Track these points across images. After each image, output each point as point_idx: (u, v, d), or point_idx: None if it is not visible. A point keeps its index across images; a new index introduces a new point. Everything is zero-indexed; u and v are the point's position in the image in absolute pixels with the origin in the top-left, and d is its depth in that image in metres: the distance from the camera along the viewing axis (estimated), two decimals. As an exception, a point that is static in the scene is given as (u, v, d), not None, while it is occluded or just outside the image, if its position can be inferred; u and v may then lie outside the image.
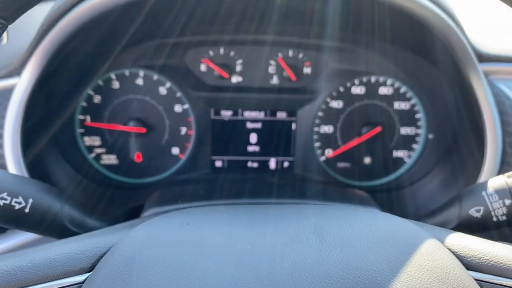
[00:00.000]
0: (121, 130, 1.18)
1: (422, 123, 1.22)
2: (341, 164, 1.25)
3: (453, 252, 0.56)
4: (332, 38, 1.15)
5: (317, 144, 1.23)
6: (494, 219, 0.77)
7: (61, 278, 0.54)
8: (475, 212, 0.79)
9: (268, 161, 1.25)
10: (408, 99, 1.21)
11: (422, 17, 0.89)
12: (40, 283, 0.53)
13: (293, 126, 1.22)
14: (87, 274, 0.54)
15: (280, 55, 1.19)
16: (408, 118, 1.22)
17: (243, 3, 1.00)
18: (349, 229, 0.53)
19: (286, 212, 0.61)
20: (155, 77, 1.16)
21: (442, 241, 0.57)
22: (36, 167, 1.00)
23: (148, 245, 0.52)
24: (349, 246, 0.49)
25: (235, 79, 1.21)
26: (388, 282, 0.45)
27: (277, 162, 1.25)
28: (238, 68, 1.20)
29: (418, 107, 1.21)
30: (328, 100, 1.20)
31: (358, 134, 1.22)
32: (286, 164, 1.25)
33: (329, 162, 1.25)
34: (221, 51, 1.18)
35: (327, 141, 1.24)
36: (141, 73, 1.16)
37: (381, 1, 0.85)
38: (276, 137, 1.23)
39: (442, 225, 0.81)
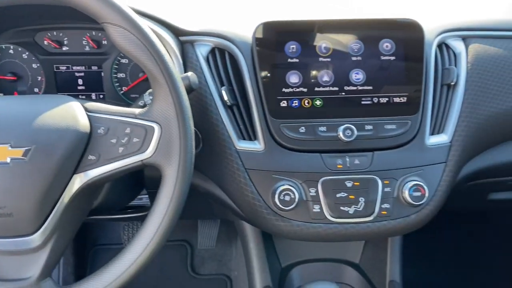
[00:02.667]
0: (3, 78, 2.14)
1: None
2: (132, 95, 2.21)
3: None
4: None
5: (116, 84, 2.19)
6: None
7: None
8: None
9: (90, 94, 2.21)
10: None
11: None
12: None
13: (102, 74, 2.18)
14: None
15: (88, 34, 2.14)
16: None
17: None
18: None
19: None
20: (19, 49, 2.11)
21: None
22: None
23: None
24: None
25: (65, 48, 2.16)
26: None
27: (96, 95, 2.21)
28: (65, 42, 2.14)
29: None
30: (119, 58, 2.15)
31: (139, 77, 2.17)
32: (101, 96, 2.21)
33: (126, 94, 2.20)
34: (55, 33, 2.13)
35: (122, 82, 2.18)
36: (12, 46, 2.11)
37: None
38: (93, 81, 2.18)
39: None
